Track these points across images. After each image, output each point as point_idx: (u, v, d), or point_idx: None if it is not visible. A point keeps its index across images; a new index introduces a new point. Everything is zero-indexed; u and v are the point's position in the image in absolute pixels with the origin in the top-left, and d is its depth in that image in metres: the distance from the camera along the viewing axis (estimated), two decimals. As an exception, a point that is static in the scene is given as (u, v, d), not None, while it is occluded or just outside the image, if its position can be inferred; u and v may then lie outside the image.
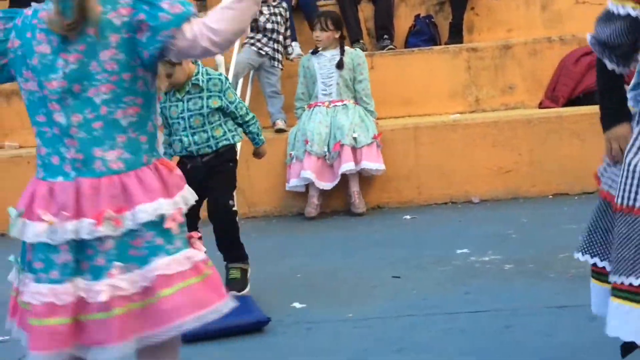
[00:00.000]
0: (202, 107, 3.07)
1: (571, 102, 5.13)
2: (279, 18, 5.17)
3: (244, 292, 3.08)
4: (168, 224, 1.62)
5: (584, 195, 4.62)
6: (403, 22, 5.95)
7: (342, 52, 4.86)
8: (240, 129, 3.22)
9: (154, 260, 1.60)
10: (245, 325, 2.74)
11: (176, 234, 1.65)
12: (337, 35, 4.88)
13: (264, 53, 5.09)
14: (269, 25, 5.10)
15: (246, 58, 5.05)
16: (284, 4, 5.28)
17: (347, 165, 4.65)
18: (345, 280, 3.36)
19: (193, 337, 2.67)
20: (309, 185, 4.79)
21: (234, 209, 3.15)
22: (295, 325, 2.78)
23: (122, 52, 1.62)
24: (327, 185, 4.70)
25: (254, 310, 2.84)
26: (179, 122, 3.09)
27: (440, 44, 5.78)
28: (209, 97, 3.08)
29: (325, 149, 4.66)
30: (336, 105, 4.79)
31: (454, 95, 5.42)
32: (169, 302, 1.60)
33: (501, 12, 5.90)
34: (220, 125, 3.12)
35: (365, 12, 5.81)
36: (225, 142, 3.13)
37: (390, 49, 5.67)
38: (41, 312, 1.60)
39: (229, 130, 3.14)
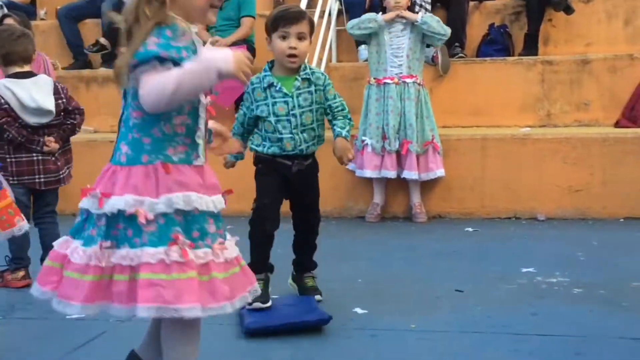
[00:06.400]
0: (311, 103, 2.94)
1: (650, 123, 4.95)
2: None
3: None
4: (140, 219, 1.76)
5: (658, 221, 4.45)
6: (476, 30, 5.83)
7: (413, 10, 4.81)
8: None
9: (121, 247, 1.78)
10: (307, 322, 2.70)
11: (147, 230, 1.76)
12: None
13: None
14: None
15: None
16: None
17: (411, 174, 4.61)
18: (406, 288, 3.28)
19: (255, 331, 2.67)
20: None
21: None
22: (359, 331, 2.72)
23: None
24: (393, 174, 4.64)
25: (316, 309, 2.81)
26: (288, 120, 2.92)
27: (513, 55, 5.65)
28: (316, 91, 2.95)
29: (397, 145, 4.61)
30: (406, 83, 4.64)
31: (525, 108, 5.29)
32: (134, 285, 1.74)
33: (580, 25, 5.73)
34: (322, 124, 3.01)
35: (438, 19, 5.71)
36: (320, 143, 3.03)
37: (461, 56, 5.56)
38: None
39: (322, 133, 3.04)
